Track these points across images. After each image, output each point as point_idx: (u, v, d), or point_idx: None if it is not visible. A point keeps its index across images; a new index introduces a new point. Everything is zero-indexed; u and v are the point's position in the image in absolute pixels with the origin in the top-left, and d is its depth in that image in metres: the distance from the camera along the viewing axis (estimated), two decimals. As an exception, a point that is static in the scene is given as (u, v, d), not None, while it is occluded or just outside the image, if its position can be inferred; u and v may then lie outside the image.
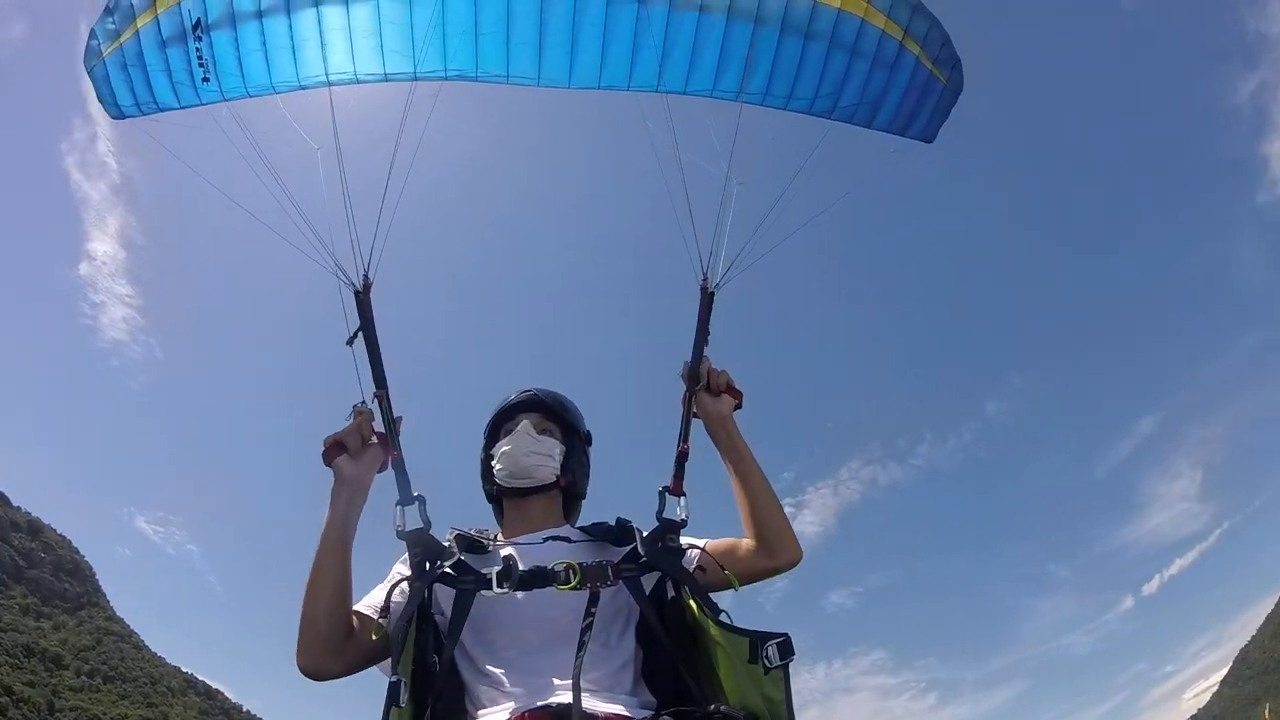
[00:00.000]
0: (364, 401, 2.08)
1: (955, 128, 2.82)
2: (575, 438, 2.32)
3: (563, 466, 2.21)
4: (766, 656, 1.65)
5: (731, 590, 1.99)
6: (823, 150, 2.78)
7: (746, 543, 2.08)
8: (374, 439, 2.01)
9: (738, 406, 2.24)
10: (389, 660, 1.75)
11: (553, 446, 2.20)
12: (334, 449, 1.95)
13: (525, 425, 2.20)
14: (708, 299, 2.38)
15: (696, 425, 2.26)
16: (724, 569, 2.00)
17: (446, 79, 2.50)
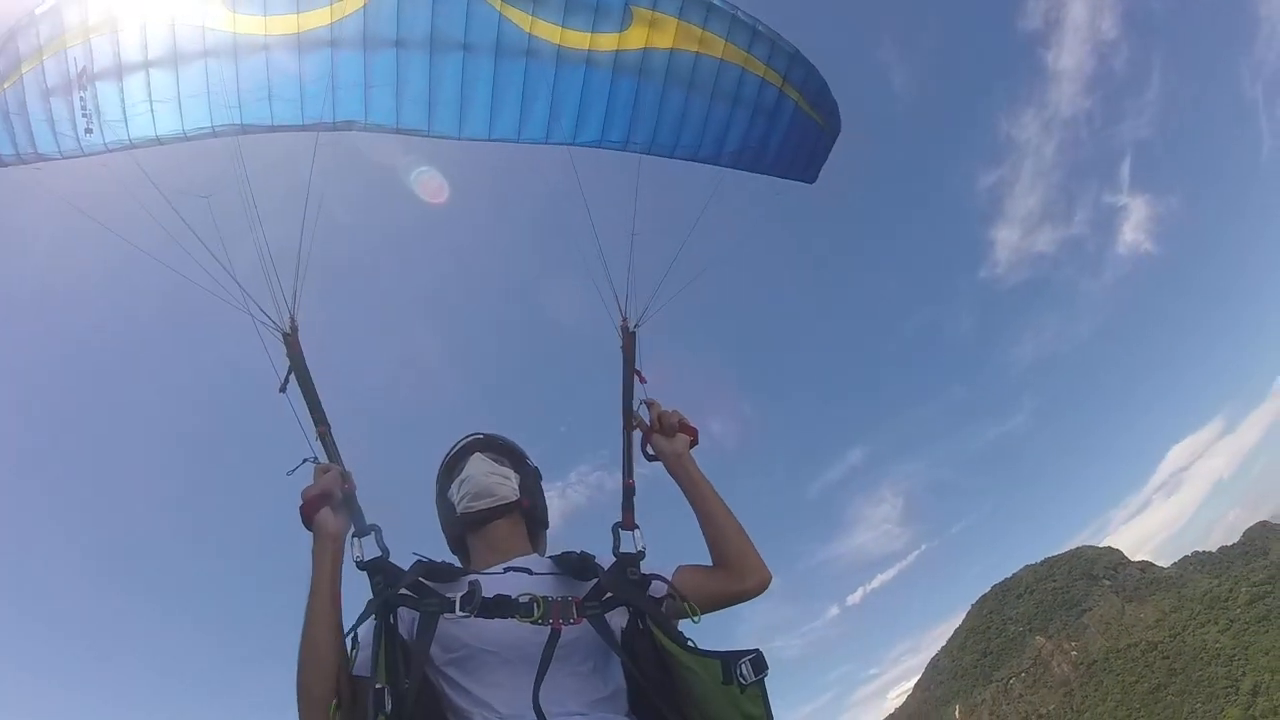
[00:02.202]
0: (316, 458, 2.08)
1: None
2: (526, 469, 2.38)
3: (521, 489, 2.27)
4: (740, 674, 1.70)
5: (691, 621, 2.01)
6: (722, 194, 2.92)
7: (713, 570, 2.15)
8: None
9: (693, 443, 2.31)
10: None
11: (509, 472, 2.28)
12: (317, 501, 1.93)
13: (478, 457, 2.28)
14: (630, 339, 2.47)
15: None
16: (685, 599, 2.03)
17: (335, 129, 2.53)
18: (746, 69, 2.82)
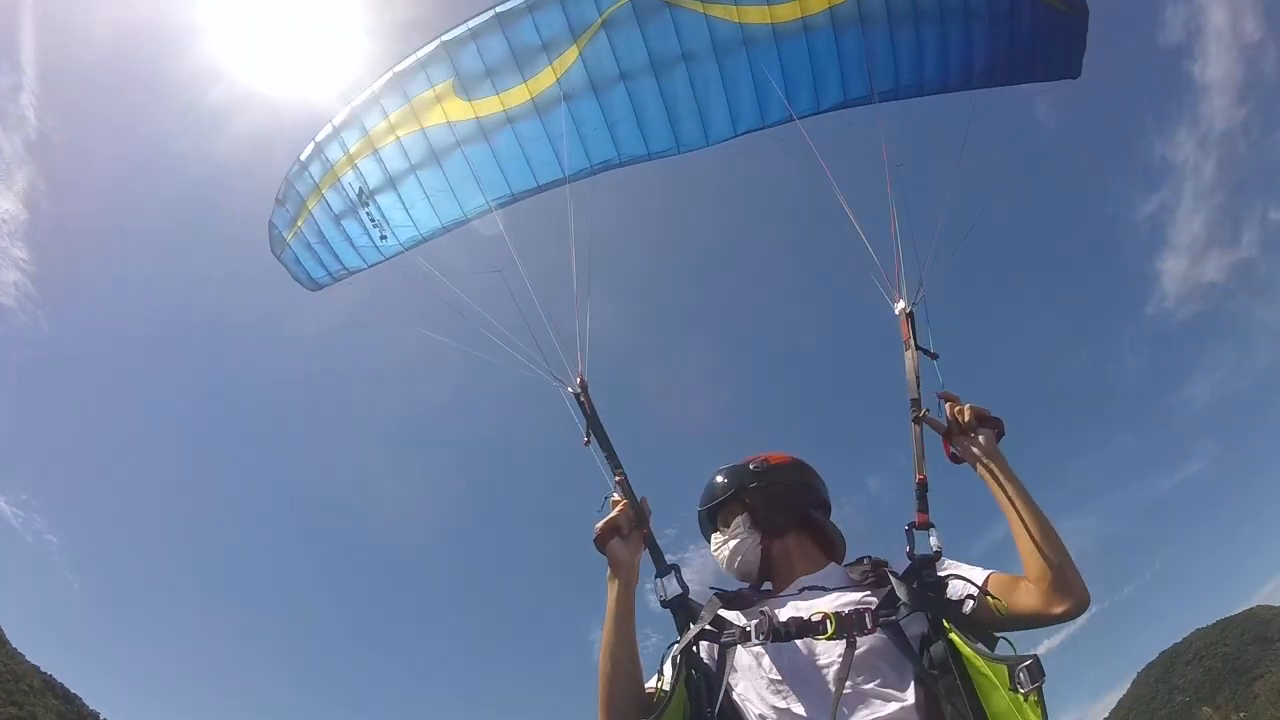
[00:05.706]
0: (613, 493, 2.25)
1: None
2: (751, 503, 2.23)
3: (757, 521, 2.20)
4: (1019, 680, 1.60)
5: (1001, 616, 1.83)
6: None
7: (1026, 584, 1.91)
8: (635, 525, 2.18)
9: (1000, 436, 2.06)
10: None
11: (739, 532, 2.21)
12: (608, 533, 2.12)
13: (715, 537, 2.27)
14: (907, 320, 2.31)
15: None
16: (992, 598, 1.85)
17: (594, 172, 2.70)
18: (969, -19, 2.63)
